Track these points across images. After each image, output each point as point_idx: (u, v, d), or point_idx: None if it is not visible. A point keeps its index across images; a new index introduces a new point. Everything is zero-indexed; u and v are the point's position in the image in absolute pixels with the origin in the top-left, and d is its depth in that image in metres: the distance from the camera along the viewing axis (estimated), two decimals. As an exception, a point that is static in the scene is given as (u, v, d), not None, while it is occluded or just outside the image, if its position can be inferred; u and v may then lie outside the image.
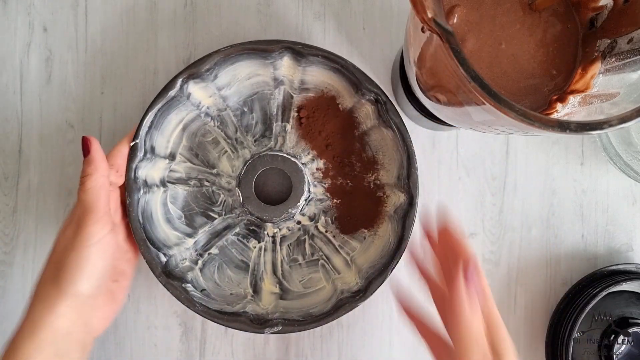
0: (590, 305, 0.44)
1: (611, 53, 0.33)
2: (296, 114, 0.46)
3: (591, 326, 0.46)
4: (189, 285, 0.43)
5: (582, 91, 0.34)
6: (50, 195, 0.48)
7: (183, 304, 0.41)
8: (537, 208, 0.49)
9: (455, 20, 0.34)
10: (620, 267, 0.47)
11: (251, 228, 0.46)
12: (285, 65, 0.43)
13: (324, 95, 0.45)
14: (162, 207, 0.44)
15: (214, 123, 0.46)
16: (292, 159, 0.44)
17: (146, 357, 0.48)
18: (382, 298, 0.48)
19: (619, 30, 0.33)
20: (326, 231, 0.46)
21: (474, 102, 0.28)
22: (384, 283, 0.42)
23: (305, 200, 0.45)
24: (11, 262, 0.48)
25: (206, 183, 0.46)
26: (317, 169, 0.46)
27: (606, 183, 0.49)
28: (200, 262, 0.45)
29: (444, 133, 0.48)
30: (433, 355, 0.36)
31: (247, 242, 0.46)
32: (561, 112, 0.34)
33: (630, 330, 0.45)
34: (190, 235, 0.45)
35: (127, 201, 0.41)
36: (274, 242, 0.46)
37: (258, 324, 0.42)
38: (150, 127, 0.42)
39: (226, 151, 0.46)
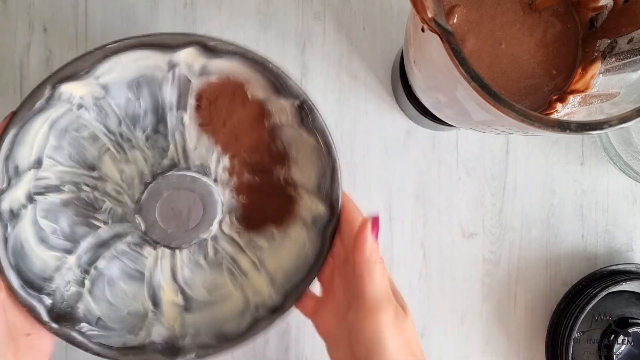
0: (590, 305, 0.44)
1: (611, 53, 0.33)
2: (194, 102, 0.39)
3: (591, 326, 0.46)
4: (83, 325, 0.36)
5: (582, 91, 0.34)
6: (50, 195, 0.48)
7: (80, 348, 0.35)
8: (537, 208, 0.49)
9: (455, 20, 0.34)
10: (620, 267, 0.47)
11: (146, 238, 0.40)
12: (186, 52, 0.36)
13: (230, 81, 0.38)
14: (32, 227, 0.37)
15: (90, 114, 0.37)
16: (203, 179, 0.39)
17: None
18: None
19: (619, 30, 0.33)
20: (230, 230, 0.41)
21: (474, 102, 0.28)
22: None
23: (219, 222, 0.40)
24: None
25: (85, 187, 0.39)
26: (224, 169, 0.40)
27: (606, 183, 0.49)
28: (87, 281, 0.38)
29: (444, 133, 0.48)
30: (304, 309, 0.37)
31: (141, 249, 0.40)
32: (561, 112, 0.34)
33: (630, 330, 0.45)
34: (70, 251, 0.38)
35: None
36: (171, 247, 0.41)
37: (170, 354, 0.36)
38: (8, 155, 0.34)
39: (108, 149, 0.38)
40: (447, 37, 0.25)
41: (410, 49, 0.33)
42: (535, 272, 0.49)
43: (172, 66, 0.37)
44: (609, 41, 0.34)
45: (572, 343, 0.44)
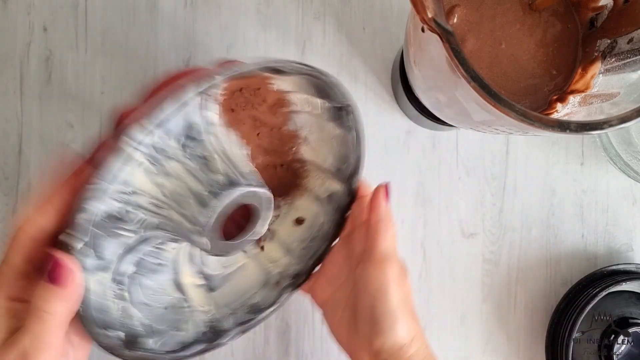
0: (590, 305, 0.44)
1: (611, 53, 0.33)
2: (220, 95, 0.36)
3: (591, 326, 0.46)
4: (147, 341, 0.34)
5: (582, 91, 0.34)
6: (50, 195, 0.48)
7: None
8: (537, 208, 0.49)
9: (455, 20, 0.34)
10: (620, 267, 0.47)
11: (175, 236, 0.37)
12: None
13: (255, 75, 0.35)
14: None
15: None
16: (262, 190, 0.35)
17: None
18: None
19: (619, 30, 0.33)
20: None
21: (474, 102, 0.28)
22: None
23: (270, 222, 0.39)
24: (11, 262, 0.47)
25: (115, 204, 0.34)
26: (247, 156, 0.40)
27: (606, 183, 0.49)
28: (125, 292, 0.35)
29: (444, 133, 0.48)
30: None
31: (164, 245, 0.38)
32: (561, 112, 0.34)
33: (630, 330, 0.45)
34: (104, 269, 0.34)
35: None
36: None
37: (217, 337, 0.37)
38: None
39: (142, 163, 0.33)
40: (447, 37, 0.25)
41: (410, 49, 0.33)
42: (535, 272, 0.49)
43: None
44: (609, 41, 0.34)
45: (572, 343, 0.44)
